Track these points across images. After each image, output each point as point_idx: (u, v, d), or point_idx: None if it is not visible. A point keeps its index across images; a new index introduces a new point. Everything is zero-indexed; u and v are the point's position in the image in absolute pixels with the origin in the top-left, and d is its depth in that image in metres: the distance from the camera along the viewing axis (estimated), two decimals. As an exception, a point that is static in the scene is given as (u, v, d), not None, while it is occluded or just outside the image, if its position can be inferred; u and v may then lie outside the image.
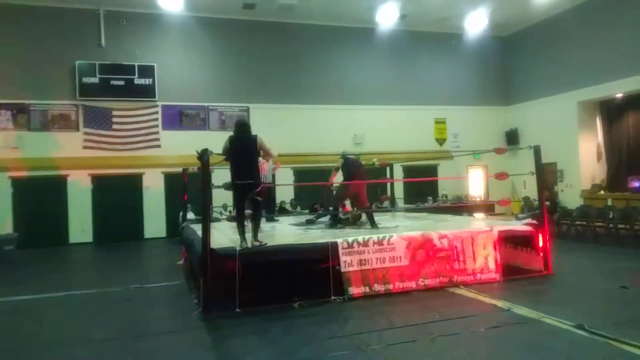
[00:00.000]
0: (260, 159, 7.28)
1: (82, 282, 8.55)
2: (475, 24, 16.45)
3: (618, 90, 14.22)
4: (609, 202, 13.55)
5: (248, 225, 6.52)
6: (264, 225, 7.46)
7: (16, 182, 13.53)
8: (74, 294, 7.46)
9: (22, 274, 9.79)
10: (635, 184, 13.60)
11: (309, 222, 9.09)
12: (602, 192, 14.79)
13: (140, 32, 14.81)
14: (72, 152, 13.92)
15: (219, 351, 4.84)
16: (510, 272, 7.29)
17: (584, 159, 15.41)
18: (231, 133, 6.47)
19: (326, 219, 8.99)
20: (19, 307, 6.88)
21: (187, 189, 10.50)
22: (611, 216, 11.52)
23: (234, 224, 6.92)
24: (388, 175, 12.03)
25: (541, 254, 7.50)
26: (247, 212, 6.45)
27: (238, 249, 6.11)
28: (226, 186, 6.76)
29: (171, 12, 14.65)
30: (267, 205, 9.16)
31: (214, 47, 15.56)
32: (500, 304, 5.90)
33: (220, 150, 6.41)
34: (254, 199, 6.32)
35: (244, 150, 6.22)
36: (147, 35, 14.91)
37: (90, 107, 14.24)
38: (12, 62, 13.59)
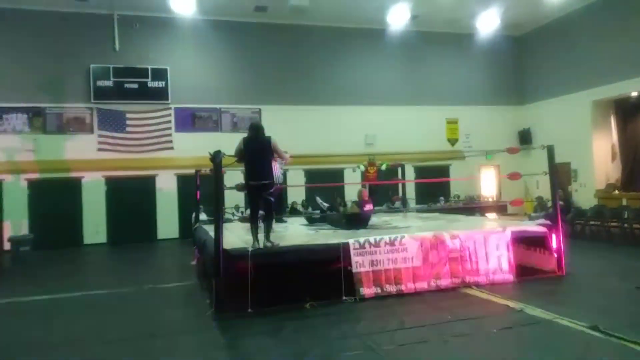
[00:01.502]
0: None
1: (97, 282, 8.66)
2: (487, 24, 16.34)
3: (633, 88, 14.04)
4: (624, 202, 13.37)
5: (261, 226, 6.56)
6: (275, 225, 7.49)
7: (32, 184, 13.76)
8: (88, 294, 7.57)
9: (37, 274, 9.94)
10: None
11: (311, 221, 9.13)
12: (616, 191, 14.60)
13: (153, 35, 14.97)
14: (86, 155, 14.11)
15: (232, 351, 4.88)
16: (524, 273, 7.24)
17: (598, 158, 15.24)
18: (244, 134, 6.54)
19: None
20: (35, 307, 7.00)
21: (200, 191, 10.58)
22: (626, 216, 11.37)
23: (246, 225, 6.97)
24: (400, 176, 12.02)
25: (555, 255, 7.43)
26: (260, 213, 6.50)
27: (250, 249, 6.16)
28: (239, 187, 6.81)
29: (183, 16, 14.78)
30: (278, 206, 9.21)
31: (226, 50, 15.67)
32: (513, 304, 5.87)
33: (232, 152, 6.48)
34: (266, 199, 6.36)
35: (258, 151, 6.31)
36: (160, 38, 15.07)
37: (105, 110, 14.43)
38: (28, 67, 13.81)
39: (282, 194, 9.59)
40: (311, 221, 9.27)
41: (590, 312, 5.35)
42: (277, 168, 8.60)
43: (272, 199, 6.43)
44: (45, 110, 14.09)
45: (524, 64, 18.12)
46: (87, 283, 8.61)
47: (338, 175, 15.47)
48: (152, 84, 14.74)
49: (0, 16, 13.66)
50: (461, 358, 4.34)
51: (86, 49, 14.30)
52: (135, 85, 14.62)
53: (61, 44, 14.10)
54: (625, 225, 11.10)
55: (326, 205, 9.42)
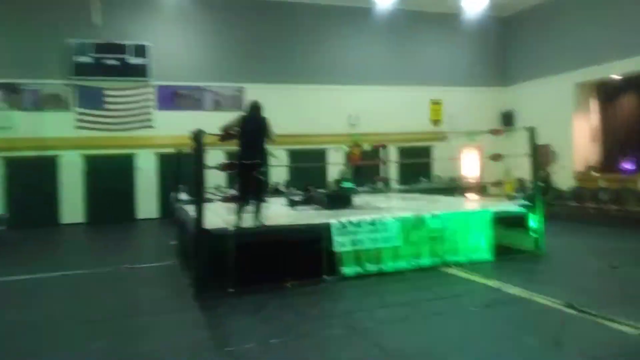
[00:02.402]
0: None
1: (75, 262, 8.53)
2: (475, 3, 16.23)
3: (615, 71, 14.16)
4: (601, 184, 13.61)
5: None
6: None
7: (8, 162, 13.40)
8: (66, 275, 7.46)
9: (14, 254, 9.77)
10: (627, 166, 13.64)
11: (293, 204, 9.10)
12: (594, 173, 14.85)
13: (133, 10, 14.54)
14: (64, 132, 13.77)
15: (213, 330, 4.87)
16: (503, 252, 7.35)
17: (578, 140, 15.43)
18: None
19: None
20: (12, 288, 6.88)
21: (181, 170, 10.44)
22: (603, 197, 11.60)
23: (228, 205, 6.90)
24: (382, 157, 12.03)
25: (533, 235, 7.56)
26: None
27: (232, 228, 6.12)
28: (221, 167, 6.74)
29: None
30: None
31: (209, 27, 15.33)
32: (491, 283, 5.96)
33: (214, 131, 6.38)
34: (257, 179, 6.31)
35: (254, 131, 6.32)
36: (140, 13, 14.65)
37: (83, 86, 14.05)
38: (4, 41, 13.34)
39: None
40: (293, 204, 9.22)
41: (566, 290, 5.46)
42: None
43: (262, 177, 6.38)
44: (21, 87, 13.67)
45: (508, 45, 18.12)
46: (66, 263, 8.49)
47: (321, 155, 15.42)
48: (132, 60, 14.38)
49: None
50: (441, 335, 4.40)
51: (64, 23, 13.80)
52: (115, 62, 14.23)
53: (38, 18, 13.60)
54: (602, 206, 11.33)
55: (300, 198, 9.35)
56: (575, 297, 5.11)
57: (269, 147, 6.66)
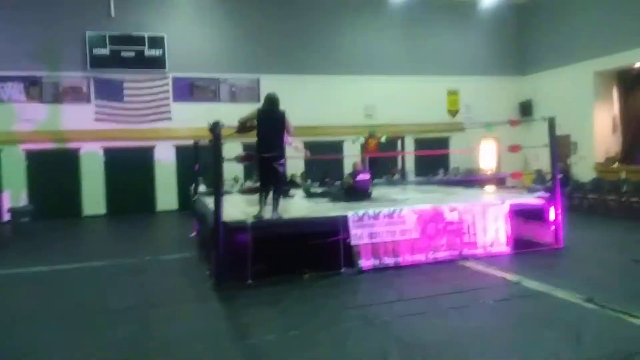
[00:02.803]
0: None
1: (97, 253, 8.71)
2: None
3: (636, 59, 13.83)
4: (623, 175, 13.36)
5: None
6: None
7: (30, 155, 13.66)
8: (89, 265, 7.62)
9: (38, 245, 9.99)
10: (650, 157, 13.37)
11: (309, 195, 9.14)
12: (615, 165, 14.58)
13: (149, 1, 14.63)
14: (84, 125, 13.96)
15: (232, 321, 4.95)
16: (521, 246, 7.30)
17: (599, 131, 15.15)
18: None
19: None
20: (36, 278, 7.05)
21: (199, 162, 10.54)
22: (624, 189, 11.40)
23: (246, 197, 6.96)
24: (399, 148, 11.96)
25: (552, 227, 7.48)
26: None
27: (252, 220, 6.18)
28: (239, 159, 6.80)
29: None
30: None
31: (224, 17, 15.34)
32: (510, 277, 5.93)
33: (231, 123, 6.43)
34: (276, 170, 6.35)
35: (272, 124, 6.34)
36: (156, 5, 14.72)
37: (101, 78, 14.22)
38: (24, 35, 13.52)
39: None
40: (310, 195, 9.26)
41: (586, 284, 5.41)
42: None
43: (280, 168, 6.42)
44: (41, 79, 13.88)
45: (526, 33, 17.79)
46: (88, 254, 8.67)
47: (337, 147, 15.41)
48: (149, 52, 14.49)
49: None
50: (459, 329, 4.40)
51: (81, 15, 13.96)
52: (132, 54, 14.37)
53: (56, 11, 13.76)
54: (623, 198, 11.13)
55: (319, 190, 9.39)
56: (595, 291, 5.07)
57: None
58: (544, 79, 16.94)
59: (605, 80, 15.14)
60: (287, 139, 8.13)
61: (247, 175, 13.64)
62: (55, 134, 13.76)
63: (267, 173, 6.44)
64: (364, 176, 8.41)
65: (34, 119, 13.63)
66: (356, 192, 8.16)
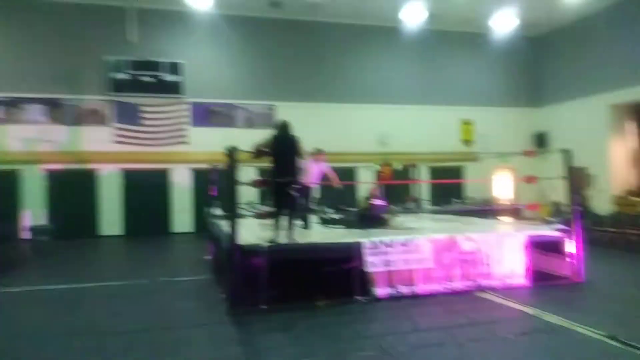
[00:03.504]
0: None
1: (112, 273, 8.75)
2: (505, 23, 16.16)
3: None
4: (642, 209, 13.15)
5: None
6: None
7: (50, 175, 13.92)
8: (105, 285, 7.65)
9: (56, 264, 10.07)
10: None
11: (326, 222, 9.08)
12: (634, 198, 14.36)
13: (169, 29, 15.05)
14: (103, 147, 14.25)
15: (245, 346, 4.88)
16: (539, 278, 7.14)
17: (616, 163, 15.01)
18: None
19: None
20: (52, 296, 7.09)
21: (215, 185, 10.62)
22: (644, 224, 11.18)
23: (261, 221, 6.97)
24: (414, 176, 11.94)
25: (572, 261, 7.33)
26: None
27: (267, 244, 6.18)
28: (254, 183, 6.84)
29: (199, 10, 14.82)
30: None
31: (241, 45, 15.69)
32: (529, 310, 5.80)
33: (246, 147, 6.52)
34: (291, 195, 6.40)
35: (286, 150, 6.46)
36: (175, 32, 15.13)
37: (121, 102, 14.54)
38: (47, 58, 13.98)
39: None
40: (325, 222, 9.21)
41: (608, 320, 5.27)
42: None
43: (296, 194, 6.46)
44: (62, 102, 14.24)
45: (540, 65, 17.89)
46: (104, 274, 8.70)
47: (351, 173, 15.42)
48: (167, 77, 14.82)
49: (18, 7, 13.82)
50: (476, 363, 4.29)
51: (103, 41, 14.43)
52: (152, 79, 14.72)
53: (78, 36, 14.25)
54: (644, 233, 10.91)
55: (335, 217, 9.36)
56: (617, 328, 4.92)
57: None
58: (559, 111, 16.92)
59: (620, 114, 15.09)
60: (335, 179, 8.29)
61: (262, 199, 13.67)
62: (75, 155, 14.03)
63: (282, 198, 6.48)
64: (380, 202, 8.38)
65: (55, 140, 13.93)
66: (372, 218, 8.11)
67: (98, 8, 14.37)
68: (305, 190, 7.87)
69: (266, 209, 10.87)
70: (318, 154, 8.73)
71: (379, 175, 11.21)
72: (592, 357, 4.38)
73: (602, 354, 4.42)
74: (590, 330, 4.97)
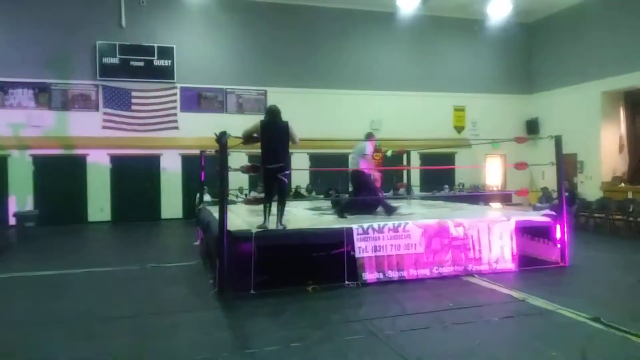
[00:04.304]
0: None
1: (101, 259, 8.70)
2: (499, 10, 16.10)
3: (644, 80, 13.86)
4: (630, 195, 13.30)
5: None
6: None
7: (37, 160, 13.78)
8: (92, 271, 7.62)
9: (42, 250, 10.00)
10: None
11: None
12: (622, 184, 14.52)
13: (160, 13, 14.83)
14: (91, 132, 14.10)
15: (234, 331, 4.91)
16: (527, 263, 7.24)
17: (605, 150, 15.13)
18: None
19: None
20: (39, 283, 7.06)
21: (204, 171, 10.58)
22: (631, 209, 11.33)
23: (251, 207, 6.95)
24: (405, 163, 11.95)
25: (558, 246, 7.42)
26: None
27: (256, 230, 6.18)
28: (244, 169, 6.81)
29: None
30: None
31: (233, 30, 15.52)
32: (515, 294, 5.87)
33: (238, 133, 6.48)
34: (280, 181, 6.39)
35: (275, 136, 6.37)
36: (166, 16, 14.93)
37: (110, 87, 14.37)
38: (35, 42, 13.73)
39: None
40: (318, 209, 9.10)
41: (592, 304, 5.35)
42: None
43: (285, 180, 6.45)
44: (50, 86, 14.04)
45: (533, 52, 17.89)
46: (91, 260, 8.65)
47: (343, 159, 15.34)
48: (158, 62, 14.66)
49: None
50: (462, 345, 4.34)
51: (92, 25, 14.19)
52: (141, 63, 14.54)
53: (67, 20, 13.99)
54: (630, 218, 11.06)
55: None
56: (601, 311, 5.00)
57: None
58: (551, 97, 16.98)
59: (612, 101, 15.17)
60: (374, 174, 8.14)
61: (252, 185, 13.66)
62: (62, 140, 13.88)
63: (271, 184, 6.47)
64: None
65: (42, 125, 13.76)
66: (364, 206, 8.06)
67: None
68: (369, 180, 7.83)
69: (256, 195, 10.88)
70: (371, 137, 8.30)
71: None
72: (575, 338, 4.44)
73: (585, 336, 4.48)
74: (575, 313, 5.04)
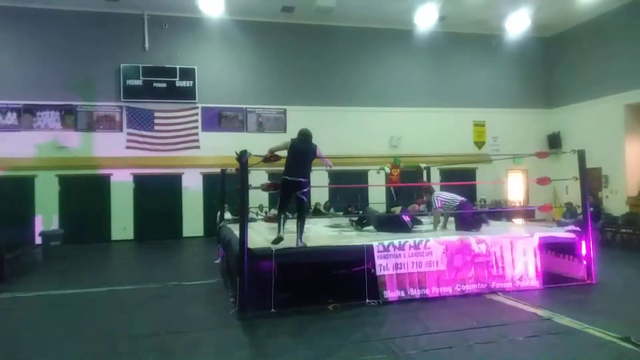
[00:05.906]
0: None
1: (123, 278, 8.82)
2: (517, 24, 16.03)
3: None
4: (658, 210, 12.95)
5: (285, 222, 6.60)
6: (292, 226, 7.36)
7: (63, 180, 14.12)
8: (116, 290, 7.72)
9: (67, 269, 10.17)
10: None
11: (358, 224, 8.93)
12: (650, 199, 14.15)
13: (181, 35, 15.19)
14: (115, 152, 14.41)
15: (255, 350, 4.90)
16: (551, 280, 7.08)
17: (631, 164, 14.78)
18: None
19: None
20: (64, 301, 7.16)
21: (225, 190, 10.68)
22: (660, 224, 11.02)
23: (271, 225, 6.98)
24: (425, 179, 11.87)
25: (584, 262, 7.25)
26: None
27: (270, 244, 6.19)
28: (264, 187, 6.87)
29: (211, 16, 14.94)
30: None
31: (253, 50, 15.79)
32: (540, 312, 5.74)
33: (257, 152, 6.57)
34: (299, 198, 6.45)
35: (303, 154, 6.52)
36: (188, 38, 15.27)
37: (134, 108, 14.71)
38: (61, 66, 14.17)
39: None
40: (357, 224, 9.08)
41: (621, 322, 5.19)
42: None
43: (304, 198, 6.52)
44: (76, 108, 14.44)
45: (553, 66, 17.72)
46: (115, 278, 8.78)
47: (362, 176, 15.39)
48: (180, 83, 14.97)
49: (34, 16, 14.06)
50: (486, 366, 4.26)
51: (117, 48, 14.61)
52: (164, 85, 14.86)
53: (92, 44, 14.45)
54: (659, 233, 10.76)
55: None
56: (631, 330, 4.85)
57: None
58: (572, 111, 16.74)
59: (636, 113, 14.87)
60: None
61: (272, 203, 13.71)
62: (87, 160, 14.21)
63: (288, 196, 6.52)
64: (407, 217, 8.20)
65: (68, 146, 14.13)
66: (391, 223, 7.99)
67: (113, 16, 14.57)
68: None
69: (275, 212, 10.90)
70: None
71: (389, 178, 11.12)
72: (604, 358, 4.31)
73: (614, 356, 4.35)
74: (603, 333, 4.90)
